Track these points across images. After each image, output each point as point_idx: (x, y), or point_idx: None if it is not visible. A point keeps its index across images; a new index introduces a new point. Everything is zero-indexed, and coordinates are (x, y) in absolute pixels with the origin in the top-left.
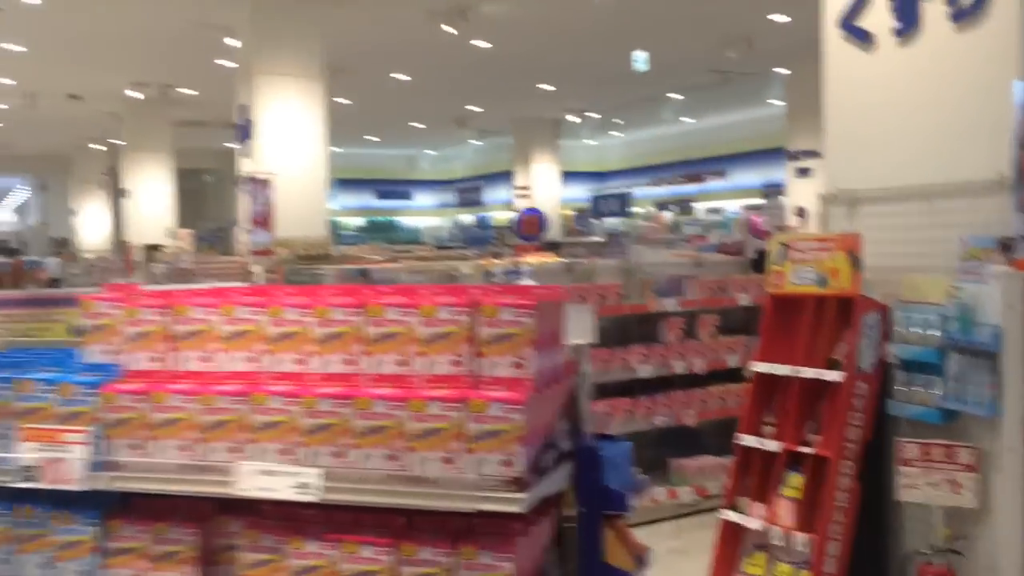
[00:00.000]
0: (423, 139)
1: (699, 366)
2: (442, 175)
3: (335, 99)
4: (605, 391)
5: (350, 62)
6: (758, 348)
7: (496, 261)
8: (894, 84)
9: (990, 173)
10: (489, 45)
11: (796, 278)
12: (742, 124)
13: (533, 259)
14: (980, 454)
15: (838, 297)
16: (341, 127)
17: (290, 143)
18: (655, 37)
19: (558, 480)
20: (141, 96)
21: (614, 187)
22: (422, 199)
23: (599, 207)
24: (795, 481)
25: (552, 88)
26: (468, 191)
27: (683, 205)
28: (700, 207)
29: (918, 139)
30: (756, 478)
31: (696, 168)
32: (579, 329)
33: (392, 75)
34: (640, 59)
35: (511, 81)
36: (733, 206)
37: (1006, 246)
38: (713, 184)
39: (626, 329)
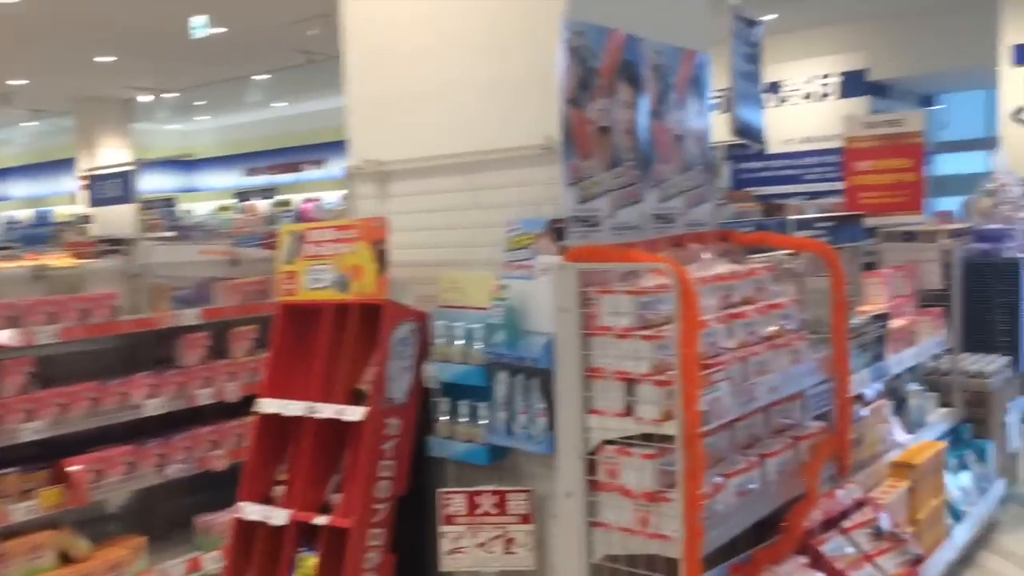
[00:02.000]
0: None
1: (232, 392)
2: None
3: None
4: (103, 439)
5: None
6: (264, 379)
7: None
8: (421, 24)
9: (537, 138)
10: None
11: (311, 281)
12: (341, 111)
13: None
14: (535, 501)
15: (362, 304)
16: None
17: None
18: (227, 8)
19: None
20: None
21: (113, 168)
22: None
23: (96, 193)
24: (309, 563)
25: (113, 60)
26: None
27: (268, 194)
28: (297, 198)
29: (453, 95)
30: (261, 561)
31: (293, 156)
32: None
33: None
34: (199, 24)
35: (59, 50)
36: (333, 196)
37: (557, 230)
38: (310, 174)
39: (132, 353)
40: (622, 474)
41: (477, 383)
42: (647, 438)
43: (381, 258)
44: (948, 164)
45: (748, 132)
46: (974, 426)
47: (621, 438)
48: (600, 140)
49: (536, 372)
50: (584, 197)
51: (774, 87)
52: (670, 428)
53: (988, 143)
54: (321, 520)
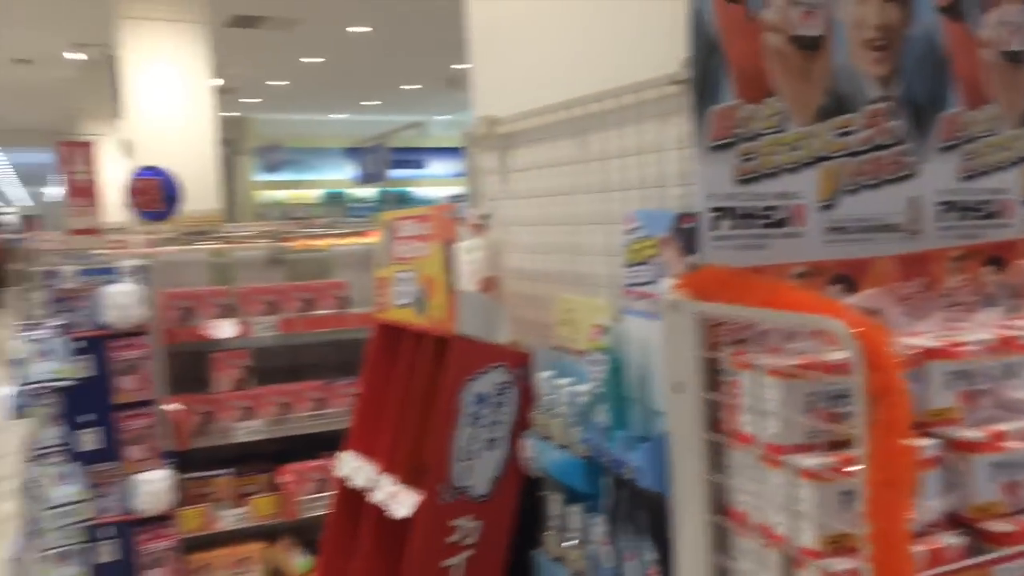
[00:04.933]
0: (425, 103)
1: None
2: (455, 141)
3: (303, 59)
4: (323, 444)
5: (296, 10)
6: (352, 421)
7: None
8: None
9: (664, 67)
10: None
11: (397, 294)
12: None
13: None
14: None
15: (437, 336)
16: (329, 90)
17: (165, 102)
18: None
19: None
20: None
21: None
22: (437, 168)
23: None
24: None
25: None
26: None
27: None
28: None
29: (565, 29)
30: None
31: None
32: None
33: (350, 28)
34: None
35: None
36: None
37: (685, 234)
38: None
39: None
40: None
41: (578, 485)
42: None
43: (450, 267)
44: None
45: None
46: None
47: None
48: (796, 64)
49: (640, 493)
50: (747, 172)
51: None
52: None
53: None
54: None
